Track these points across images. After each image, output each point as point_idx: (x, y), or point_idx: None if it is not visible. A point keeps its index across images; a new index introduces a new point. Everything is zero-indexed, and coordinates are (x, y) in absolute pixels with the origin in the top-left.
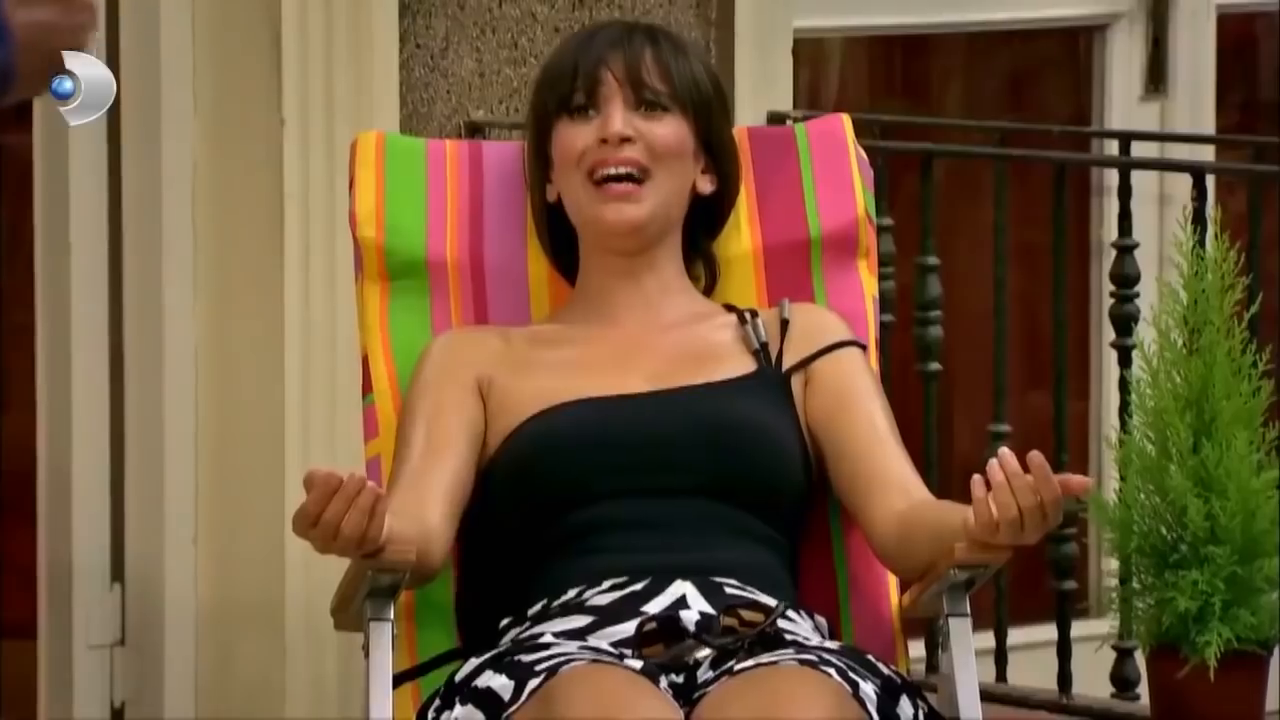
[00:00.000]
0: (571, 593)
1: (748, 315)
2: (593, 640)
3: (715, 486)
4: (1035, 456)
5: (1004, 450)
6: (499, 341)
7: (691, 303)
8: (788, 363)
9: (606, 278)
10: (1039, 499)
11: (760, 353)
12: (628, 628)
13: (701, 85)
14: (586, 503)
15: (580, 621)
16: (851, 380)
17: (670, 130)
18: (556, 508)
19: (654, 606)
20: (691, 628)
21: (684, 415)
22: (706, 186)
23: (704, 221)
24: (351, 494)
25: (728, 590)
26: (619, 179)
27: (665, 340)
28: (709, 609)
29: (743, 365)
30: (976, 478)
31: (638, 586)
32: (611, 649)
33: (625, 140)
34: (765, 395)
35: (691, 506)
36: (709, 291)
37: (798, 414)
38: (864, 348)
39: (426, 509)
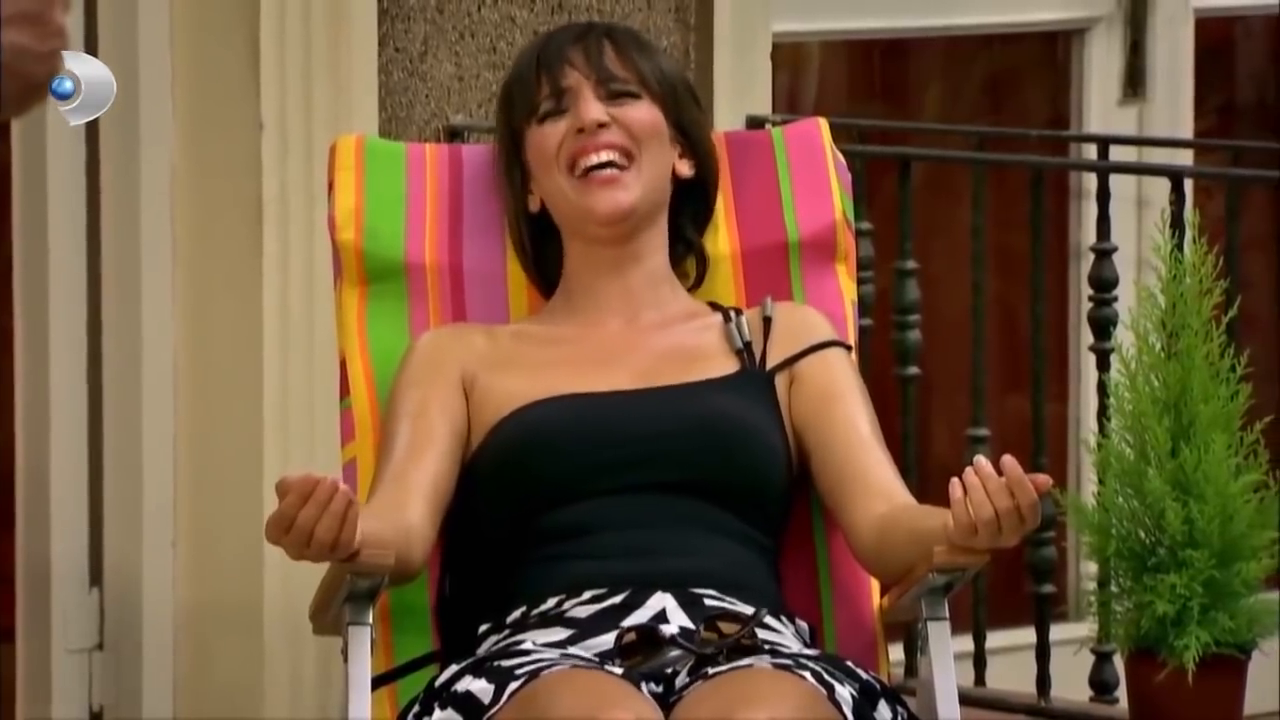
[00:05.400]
0: (551, 602)
1: (731, 314)
2: (573, 651)
3: (699, 484)
4: (1008, 460)
5: (979, 458)
6: (483, 338)
7: (677, 300)
8: (772, 361)
9: (592, 275)
10: (1014, 501)
11: (744, 352)
12: (607, 640)
13: (667, 74)
14: (568, 500)
15: (560, 634)
16: (836, 381)
17: (644, 112)
18: (538, 504)
19: (634, 620)
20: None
21: (668, 412)
22: (686, 170)
23: (689, 211)
24: (324, 499)
25: (707, 602)
26: (602, 167)
27: (650, 340)
28: (688, 623)
29: (727, 364)
30: (955, 481)
31: (617, 599)
32: (593, 658)
33: (602, 126)
34: (749, 393)
35: (675, 504)
36: (697, 286)
37: (782, 413)
38: (849, 348)
39: (408, 509)
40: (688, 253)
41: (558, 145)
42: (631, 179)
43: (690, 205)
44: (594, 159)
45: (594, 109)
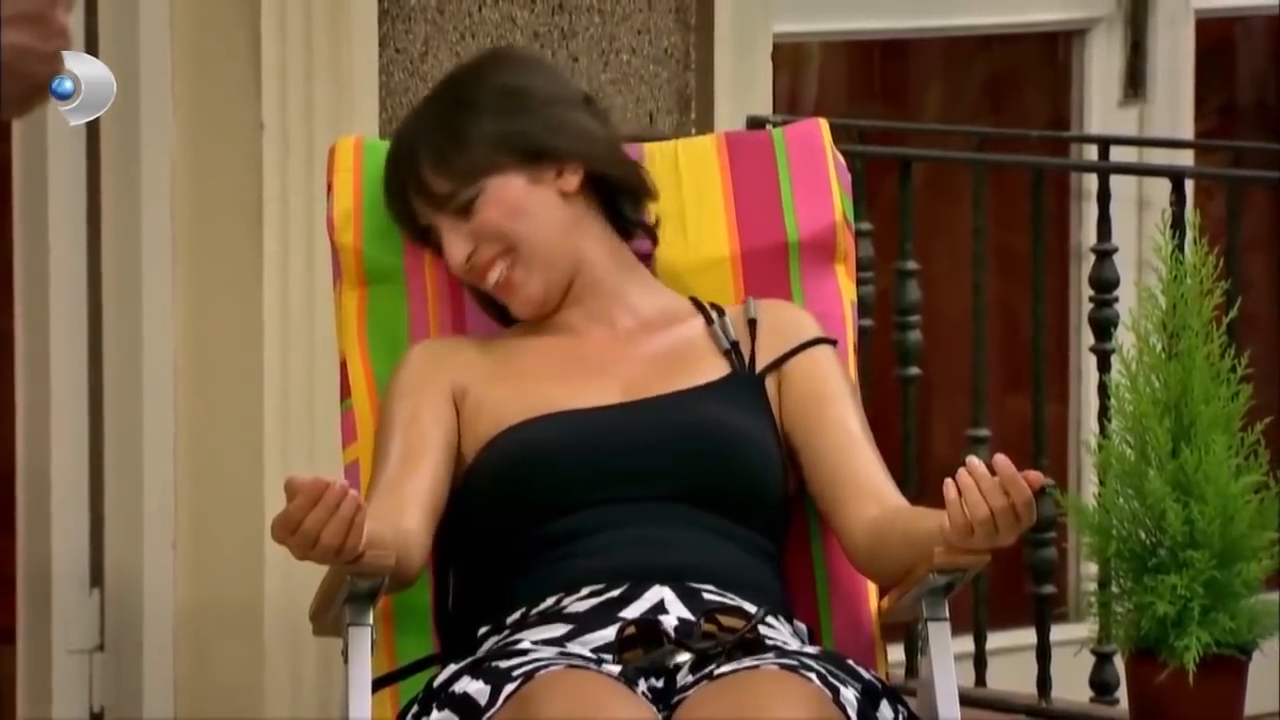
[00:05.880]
0: (550, 600)
1: (714, 314)
2: (572, 647)
3: (697, 494)
4: (1000, 458)
5: (971, 458)
6: (475, 351)
7: (650, 296)
8: (761, 363)
9: (555, 316)
10: (1008, 499)
11: (732, 353)
12: (607, 634)
13: (482, 132)
14: (566, 512)
15: (559, 630)
16: (824, 380)
17: (492, 207)
18: (535, 518)
19: (632, 611)
20: (671, 632)
21: (662, 424)
22: (573, 182)
23: (622, 195)
24: (333, 503)
25: (706, 596)
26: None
27: (637, 347)
28: (687, 614)
29: (716, 368)
30: (949, 482)
31: (615, 593)
32: (590, 655)
33: (471, 256)
34: (741, 399)
35: (672, 513)
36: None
37: (774, 416)
38: (834, 343)
39: (404, 516)
40: (637, 227)
41: (457, 272)
42: (523, 274)
43: (619, 189)
44: (489, 280)
45: (456, 251)
